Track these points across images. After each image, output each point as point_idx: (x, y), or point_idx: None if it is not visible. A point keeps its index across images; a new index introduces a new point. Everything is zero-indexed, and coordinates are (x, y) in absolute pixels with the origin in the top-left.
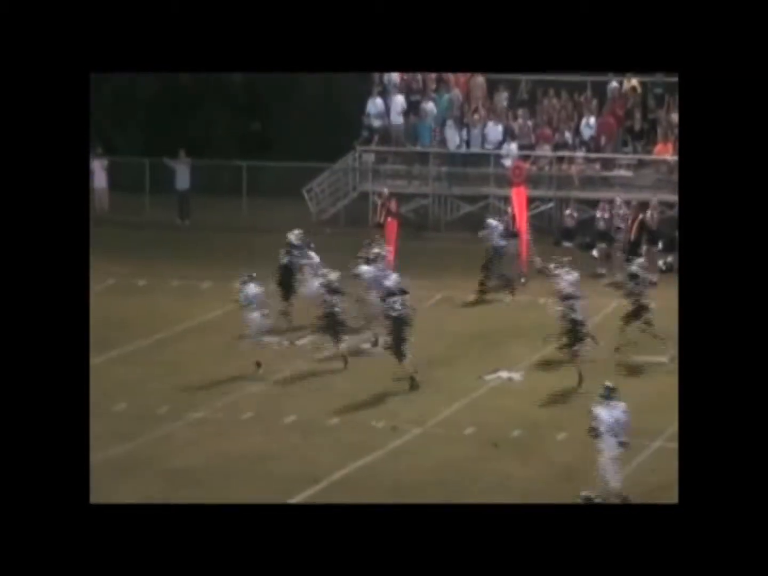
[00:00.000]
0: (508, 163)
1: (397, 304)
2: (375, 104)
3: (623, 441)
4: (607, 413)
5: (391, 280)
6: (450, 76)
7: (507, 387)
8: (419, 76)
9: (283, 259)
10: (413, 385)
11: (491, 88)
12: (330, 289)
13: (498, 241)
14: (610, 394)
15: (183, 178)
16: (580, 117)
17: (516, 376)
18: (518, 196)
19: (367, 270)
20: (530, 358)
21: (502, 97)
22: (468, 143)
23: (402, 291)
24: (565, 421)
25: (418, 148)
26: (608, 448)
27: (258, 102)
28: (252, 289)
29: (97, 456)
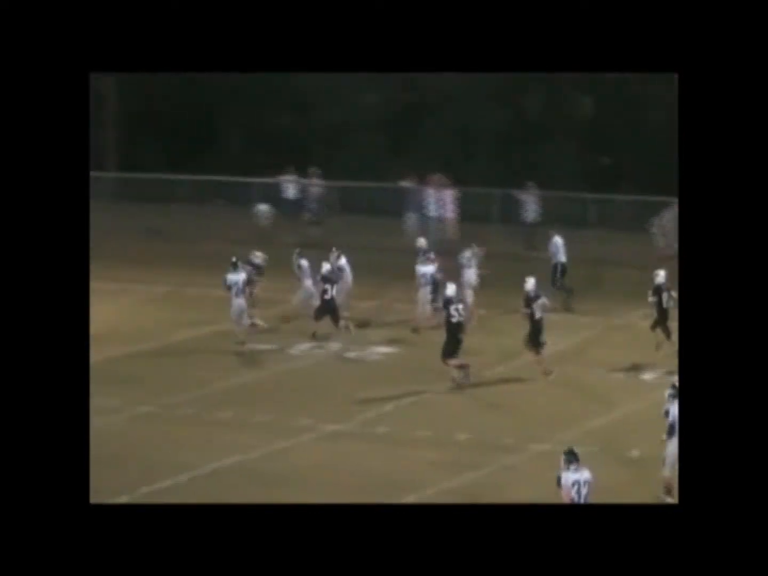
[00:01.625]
0: None
1: (454, 311)
2: None
3: None
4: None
5: (450, 289)
6: None
7: None
8: None
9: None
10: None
11: None
12: (324, 278)
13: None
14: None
15: (531, 209)
16: None
17: None
18: None
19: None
20: None
21: None
22: None
23: (458, 299)
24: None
25: None
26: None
27: (605, 135)
28: (234, 276)
29: (441, 486)
